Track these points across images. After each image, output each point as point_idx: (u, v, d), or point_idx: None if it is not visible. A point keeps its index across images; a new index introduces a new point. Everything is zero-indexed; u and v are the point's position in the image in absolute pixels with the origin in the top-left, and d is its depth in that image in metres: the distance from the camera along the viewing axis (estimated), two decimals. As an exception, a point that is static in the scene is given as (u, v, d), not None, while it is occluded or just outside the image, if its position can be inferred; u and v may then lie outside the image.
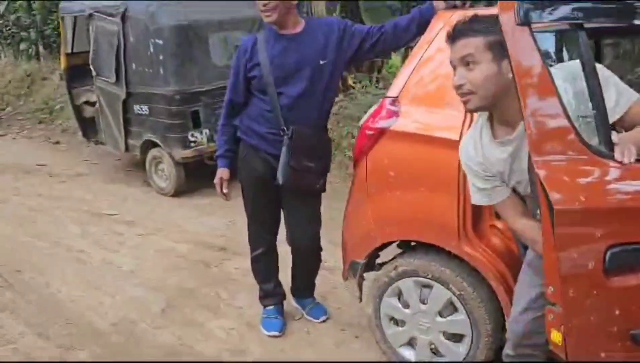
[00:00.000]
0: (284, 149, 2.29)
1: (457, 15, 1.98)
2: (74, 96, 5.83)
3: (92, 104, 5.83)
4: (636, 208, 1.34)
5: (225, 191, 2.53)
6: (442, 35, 1.85)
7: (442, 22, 2.08)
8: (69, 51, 5.75)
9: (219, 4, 4.81)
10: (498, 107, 1.54)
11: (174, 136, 4.58)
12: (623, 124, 1.53)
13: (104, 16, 4.82)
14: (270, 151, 2.37)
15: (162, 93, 4.50)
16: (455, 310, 2.12)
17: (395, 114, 2.17)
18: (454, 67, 1.54)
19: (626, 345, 1.38)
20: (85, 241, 3.86)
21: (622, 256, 1.33)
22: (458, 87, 1.52)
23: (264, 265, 2.68)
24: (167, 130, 4.59)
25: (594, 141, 1.39)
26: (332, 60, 2.29)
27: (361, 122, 2.32)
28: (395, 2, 7.67)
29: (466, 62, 1.49)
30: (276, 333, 2.65)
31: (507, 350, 1.80)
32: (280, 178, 2.31)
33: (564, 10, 1.38)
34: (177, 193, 4.82)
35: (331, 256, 3.18)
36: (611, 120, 1.43)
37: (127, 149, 5.10)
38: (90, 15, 5.00)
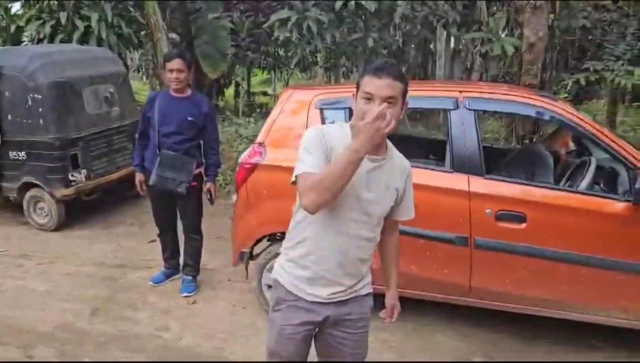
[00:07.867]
0: (156, 163, 3.66)
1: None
2: None
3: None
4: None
5: (143, 190, 3.94)
6: (284, 112, 3.28)
7: (280, 107, 3.46)
8: None
9: (89, 61, 5.60)
10: None
11: (55, 177, 5.22)
12: None
13: (-25, 73, 5.25)
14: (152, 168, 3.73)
15: (42, 140, 5.14)
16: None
17: (262, 153, 3.47)
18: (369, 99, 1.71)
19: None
20: (-10, 275, 4.35)
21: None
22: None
23: (162, 240, 4.16)
24: (49, 172, 5.21)
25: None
26: (195, 121, 3.72)
27: (240, 160, 3.56)
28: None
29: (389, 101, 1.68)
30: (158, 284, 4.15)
31: None
32: (150, 181, 3.72)
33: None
34: (58, 227, 5.43)
35: (210, 261, 4.35)
36: None
37: (0, 192, 5.51)
38: (-42, 71, 5.35)
